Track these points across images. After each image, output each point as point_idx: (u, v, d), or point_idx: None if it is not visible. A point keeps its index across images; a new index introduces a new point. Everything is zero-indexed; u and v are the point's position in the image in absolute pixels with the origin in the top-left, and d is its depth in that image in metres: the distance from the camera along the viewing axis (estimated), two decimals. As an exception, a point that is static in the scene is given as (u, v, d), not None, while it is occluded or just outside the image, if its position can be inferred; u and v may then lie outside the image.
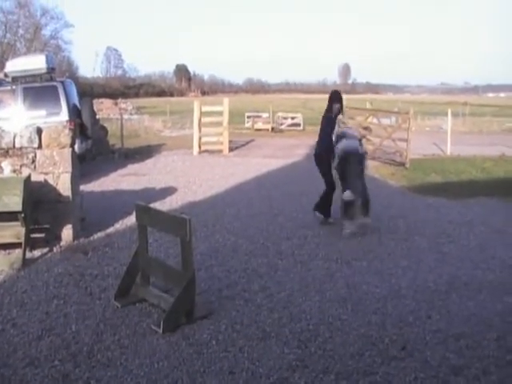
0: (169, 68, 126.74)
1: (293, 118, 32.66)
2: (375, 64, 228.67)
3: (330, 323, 5.81)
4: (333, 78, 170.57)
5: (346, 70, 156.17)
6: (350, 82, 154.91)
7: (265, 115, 33.25)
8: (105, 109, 41.96)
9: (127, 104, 48.88)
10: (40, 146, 8.85)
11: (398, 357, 5.10)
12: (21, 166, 8.86)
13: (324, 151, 9.93)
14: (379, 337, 5.49)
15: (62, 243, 8.61)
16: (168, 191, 12.80)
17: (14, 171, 8.83)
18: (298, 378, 4.74)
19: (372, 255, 8.13)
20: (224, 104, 20.55)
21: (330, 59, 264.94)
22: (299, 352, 5.19)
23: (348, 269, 7.53)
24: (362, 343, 5.37)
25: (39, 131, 8.93)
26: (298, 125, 31.69)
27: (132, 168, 17.00)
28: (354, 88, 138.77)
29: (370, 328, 5.69)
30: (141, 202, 6.67)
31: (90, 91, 45.85)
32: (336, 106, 9.98)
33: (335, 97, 10.13)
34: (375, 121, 21.33)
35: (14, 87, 15.36)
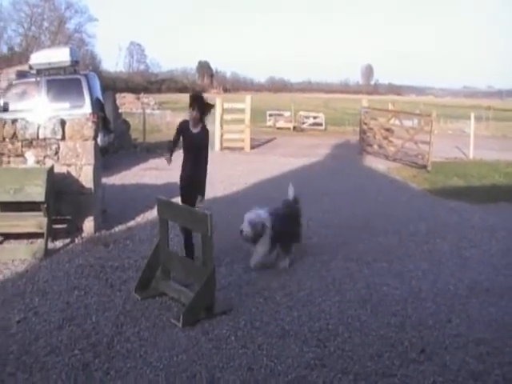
0: (191, 64, 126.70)
1: (315, 118, 32.60)
2: (398, 65, 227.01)
3: (349, 323, 5.80)
4: (355, 78, 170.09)
5: (368, 71, 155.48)
6: (372, 82, 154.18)
7: (287, 114, 33.23)
8: (127, 103, 42.07)
9: (149, 99, 48.97)
10: (63, 138, 8.91)
11: (417, 360, 5.07)
12: (44, 157, 8.92)
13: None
14: (398, 339, 5.47)
15: (84, 235, 8.68)
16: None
17: (38, 162, 8.90)
18: (316, 376, 4.74)
19: (392, 257, 8.09)
20: (246, 102, 20.58)
21: (352, 59, 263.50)
22: (318, 351, 5.19)
23: (368, 270, 7.51)
24: (381, 344, 5.35)
25: (63, 123, 8.98)
26: (320, 124, 31.62)
27: (153, 162, 17.04)
28: (377, 89, 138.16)
29: (389, 330, 5.67)
30: (162, 197, 6.70)
31: (112, 85, 46.02)
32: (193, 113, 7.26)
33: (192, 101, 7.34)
34: (397, 122, 21.22)
35: (38, 79, 15.46)
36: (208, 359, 4.97)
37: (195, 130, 7.27)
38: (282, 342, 5.34)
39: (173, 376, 4.68)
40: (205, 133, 7.34)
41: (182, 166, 7.46)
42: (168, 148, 7.56)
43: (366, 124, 21.66)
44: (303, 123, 31.72)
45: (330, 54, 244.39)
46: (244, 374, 4.75)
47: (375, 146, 20.97)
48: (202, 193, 7.25)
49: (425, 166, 17.36)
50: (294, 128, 30.59)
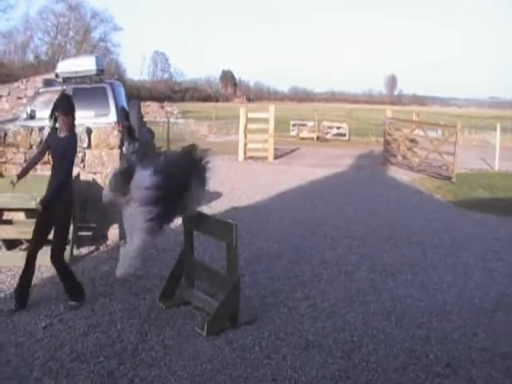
0: (215, 73, 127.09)
1: (338, 128, 32.54)
2: (422, 76, 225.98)
3: (374, 335, 5.76)
4: (378, 88, 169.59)
5: (392, 81, 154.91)
6: (395, 93, 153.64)
7: (310, 124, 33.19)
8: (151, 112, 42.45)
9: (173, 108, 49.32)
10: (89, 146, 9.00)
11: (443, 373, 5.02)
12: (70, 165, 8.98)
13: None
14: (423, 352, 5.43)
15: (109, 242, 8.75)
16: (213, 196, 12.83)
17: (64, 169, 8.97)
18: (340, 388, 4.72)
19: (417, 268, 8.03)
20: (270, 111, 20.60)
21: (376, 70, 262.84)
22: (342, 363, 5.16)
23: (392, 281, 7.46)
24: (406, 357, 5.31)
25: (89, 131, 9.07)
26: (344, 135, 31.55)
27: (177, 171, 17.11)
28: (400, 99, 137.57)
29: (414, 342, 5.62)
30: (188, 206, 6.71)
31: (136, 94, 46.42)
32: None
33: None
34: (421, 133, 21.11)
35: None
36: (232, 369, 4.97)
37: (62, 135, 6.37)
38: (307, 353, 5.32)
39: (197, 385, 4.69)
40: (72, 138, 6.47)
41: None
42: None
43: (389, 135, 21.57)
44: (327, 133, 31.67)
45: (354, 64, 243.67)
46: (268, 384, 4.74)
47: (399, 157, 20.88)
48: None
49: (449, 178, 17.24)
50: (318, 138, 30.55)
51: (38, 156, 6.64)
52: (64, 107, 6.31)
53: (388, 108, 28.95)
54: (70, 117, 6.31)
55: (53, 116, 6.34)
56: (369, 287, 7.21)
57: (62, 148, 6.26)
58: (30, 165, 6.70)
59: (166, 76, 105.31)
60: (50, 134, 6.57)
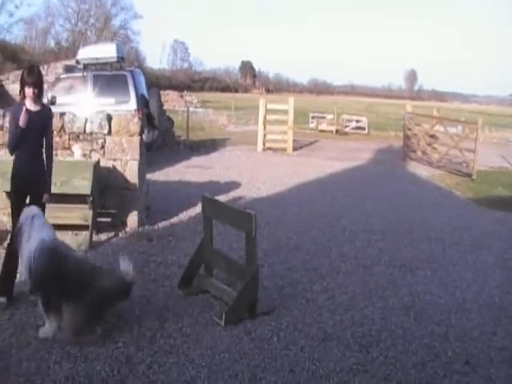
0: (234, 64, 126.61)
1: (357, 121, 32.38)
2: (443, 71, 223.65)
3: (393, 330, 5.73)
4: (398, 82, 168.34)
5: (412, 76, 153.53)
6: (415, 88, 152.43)
7: (329, 117, 33.03)
8: (170, 100, 42.42)
9: (192, 97, 49.29)
10: (110, 133, 9.01)
11: (462, 371, 4.98)
12: (90, 151, 9.03)
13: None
14: (442, 349, 5.39)
15: (128, 229, 8.77)
16: (232, 186, 12.87)
17: (84, 155, 9.01)
18: (358, 382, 4.70)
19: (436, 265, 7.98)
20: (289, 103, 20.52)
21: (396, 64, 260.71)
22: (360, 356, 5.14)
23: (411, 277, 7.41)
24: (425, 353, 5.27)
25: (109, 118, 9.08)
26: (363, 128, 31.39)
27: (197, 160, 17.17)
28: (420, 94, 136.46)
29: (432, 339, 5.59)
30: (207, 195, 6.71)
31: (156, 82, 46.34)
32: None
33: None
34: (441, 129, 20.94)
35: (84, 74, 15.66)
36: (250, 359, 4.96)
37: (34, 109, 5.90)
38: (324, 346, 5.30)
39: (215, 374, 4.69)
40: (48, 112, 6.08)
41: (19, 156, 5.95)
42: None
43: (409, 130, 21.42)
44: (346, 126, 31.52)
45: (373, 58, 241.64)
46: (286, 375, 4.73)
47: (419, 152, 20.74)
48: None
49: (469, 175, 17.11)
50: (337, 131, 30.40)
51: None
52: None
53: (408, 103, 28.70)
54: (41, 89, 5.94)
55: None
56: (387, 282, 7.16)
57: (43, 122, 5.96)
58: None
59: (185, 65, 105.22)
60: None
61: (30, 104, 5.84)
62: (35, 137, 5.88)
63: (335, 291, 6.71)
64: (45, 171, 6.03)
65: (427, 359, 5.15)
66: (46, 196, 6.01)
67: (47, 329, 5.20)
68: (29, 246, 5.19)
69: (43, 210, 5.98)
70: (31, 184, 5.90)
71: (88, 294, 5.06)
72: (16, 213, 5.85)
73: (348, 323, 5.82)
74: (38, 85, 5.84)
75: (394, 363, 5.04)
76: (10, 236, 6.11)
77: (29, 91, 5.77)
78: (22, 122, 5.67)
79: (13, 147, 5.84)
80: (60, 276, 5.08)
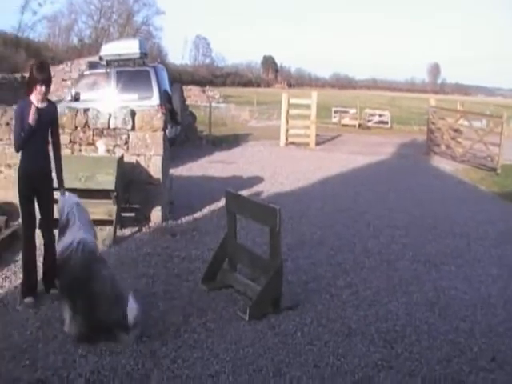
0: (256, 59, 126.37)
1: (380, 116, 32.17)
2: (466, 65, 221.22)
3: (417, 326, 5.69)
4: (421, 76, 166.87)
5: (435, 69, 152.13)
6: (438, 81, 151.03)
7: (352, 111, 32.88)
8: (193, 96, 42.47)
9: (214, 92, 49.32)
10: (133, 128, 9.04)
11: (488, 368, 4.93)
12: (114, 147, 9.07)
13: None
14: (467, 345, 5.34)
15: (151, 224, 8.81)
16: (255, 181, 12.87)
17: (108, 151, 9.06)
18: (383, 378, 4.67)
19: (461, 260, 7.91)
20: (312, 97, 20.45)
21: (418, 57, 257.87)
22: (385, 352, 5.11)
23: (436, 272, 7.35)
24: (450, 349, 5.23)
25: (133, 114, 9.12)
26: (386, 122, 31.19)
27: (219, 155, 17.20)
28: (443, 88, 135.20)
29: (457, 335, 5.54)
30: (231, 190, 6.72)
31: (178, 78, 46.43)
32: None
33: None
34: (466, 123, 20.72)
35: (108, 70, 15.75)
36: (274, 354, 4.96)
37: (42, 105, 5.86)
38: (349, 341, 5.28)
39: (239, 368, 4.69)
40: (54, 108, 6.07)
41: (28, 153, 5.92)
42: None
43: (433, 124, 21.23)
44: (369, 121, 31.34)
45: (396, 52, 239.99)
46: (310, 370, 4.72)
47: (442, 147, 20.55)
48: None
49: (494, 169, 16.92)
50: (360, 125, 30.23)
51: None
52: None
53: (431, 97, 28.43)
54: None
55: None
56: (411, 277, 7.12)
57: (50, 118, 5.97)
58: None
59: (207, 61, 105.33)
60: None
61: (37, 101, 5.81)
62: (42, 133, 5.89)
63: (359, 286, 6.69)
64: (52, 167, 6.03)
65: (452, 355, 5.11)
66: (63, 191, 6.05)
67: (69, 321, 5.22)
68: (68, 243, 5.20)
69: (52, 206, 6.07)
70: (39, 180, 5.91)
71: (94, 312, 5.02)
72: (25, 209, 5.90)
73: (372, 318, 5.80)
74: (49, 82, 5.82)
75: (419, 359, 5.01)
76: (24, 236, 6.05)
77: (41, 89, 5.73)
78: (31, 119, 5.66)
79: (21, 145, 5.82)
80: (85, 285, 5.07)
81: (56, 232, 5.72)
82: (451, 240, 8.88)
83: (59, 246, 5.34)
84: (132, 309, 5.05)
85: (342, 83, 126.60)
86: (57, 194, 6.07)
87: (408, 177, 15.07)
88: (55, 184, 6.11)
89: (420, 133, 26.20)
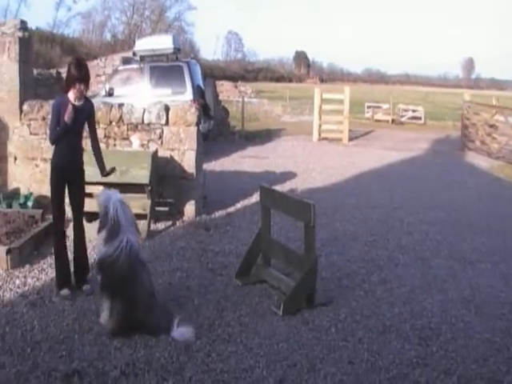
0: (288, 54, 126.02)
1: (414, 111, 31.86)
2: (502, 59, 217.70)
3: (453, 324, 5.62)
4: (455, 71, 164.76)
5: (469, 65, 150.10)
6: (473, 76, 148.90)
7: (385, 106, 32.63)
8: (225, 91, 42.50)
9: (246, 87, 49.29)
10: (167, 123, 9.10)
11: (526, 368, 4.85)
12: (148, 141, 9.14)
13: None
14: (504, 344, 5.25)
15: (185, 218, 8.86)
16: (288, 176, 12.86)
17: (142, 146, 9.13)
18: (418, 375, 4.62)
19: (497, 258, 7.79)
20: (345, 92, 20.33)
21: (452, 53, 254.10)
22: (420, 349, 5.06)
23: (471, 270, 7.26)
24: (486, 348, 5.15)
25: (167, 108, 9.17)
26: (419, 118, 30.87)
27: (252, 150, 17.22)
28: (478, 83, 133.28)
29: (494, 334, 5.45)
30: (265, 185, 6.71)
31: (210, 73, 46.52)
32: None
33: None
34: (502, 118, 20.39)
35: (141, 65, 15.87)
36: (308, 349, 4.95)
37: (78, 103, 5.92)
38: (383, 338, 5.25)
39: (273, 363, 4.69)
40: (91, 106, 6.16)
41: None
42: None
43: (468, 119, 20.96)
44: (402, 116, 31.08)
45: (429, 47, 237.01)
46: (344, 366, 4.69)
47: (477, 143, 20.27)
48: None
49: (531, 166, 16.64)
50: (393, 121, 29.99)
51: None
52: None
53: (466, 92, 28.07)
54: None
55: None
56: (447, 275, 7.04)
57: (86, 116, 6.05)
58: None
59: (239, 56, 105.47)
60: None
61: (75, 98, 5.86)
62: (77, 130, 5.95)
63: (393, 283, 6.63)
64: (82, 162, 6.10)
65: (489, 354, 5.03)
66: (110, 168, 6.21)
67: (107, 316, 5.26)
68: (115, 245, 5.19)
69: (83, 200, 6.18)
70: (72, 173, 5.99)
71: (132, 314, 5.08)
72: (55, 202, 6.00)
73: (407, 316, 5.75)
74: (87, 80, 5.85)
75: (455, 357, 4.94)
76: (55, 230, 6.17)
77: (79, 87, 5.77)
78: (67, 118, 5.71)
79: (55, 140, 5.88)
80: (127, 288, 5.11)
81: (87, 225, 5.78)
82: (487, 237, 8.76)
83: (104, 245, 5.30)
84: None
85: (374, 78, 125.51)
86: (98, 189, 6.13)
87: (442, 173, 14.89)
88: (87, 178, 6.22)
89: (454, 128, 25.89)
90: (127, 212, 5.37)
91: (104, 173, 6.22)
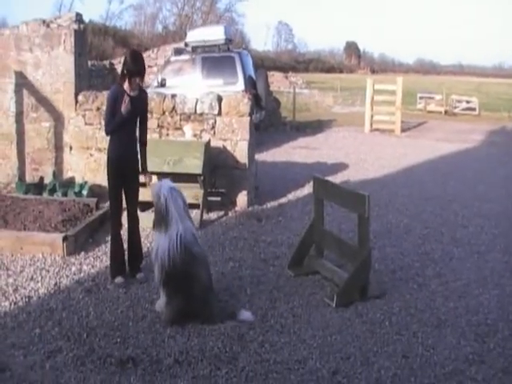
0: (338, 45, 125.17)
1: (468, 102, 31.16)
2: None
3: (510, 320, 5.48)
4: (510, 61, 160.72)
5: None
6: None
7: (438, 97, 32.03)
8: (275, 81, 42.43)
9: (297, 78, 49.12)
10: (220, 113, 9.13)
11: None
12: (201, 131, 9.19)
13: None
14: None
15: (237, 208, 8.89)
16: (339, 167, 12.77)
17: (195, 136, 9.18)
18: (474, 372, 4.52)
19: (556, 253, 7.57)
20: (398, 83, 20.02)
21: (507, 42, 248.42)
22: (476, 346, 4.95)
23: (530, 265, 7.08)
24: (546, 346, 5.02)
25: (219, 99, 9.19)
26: (473, 109, 30.17)
27: (303, 141, 17.15)
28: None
29: (554, 331, 5.31)
30: (319, 175, 6.67)
31: (260, 64, 46.50)
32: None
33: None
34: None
35: (193, 56, 15.95)
36: (362, 342, 4.91)
37: (134, 94, 5.97)
38: (438, 333, 5.16)
39: (326, 355, 4.67)
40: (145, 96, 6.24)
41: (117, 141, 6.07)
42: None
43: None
44: (455, 107, 30.45)
45: (482, 36, 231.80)
46: (399, 360, 4.63)
47: (534, 134, 19.75)
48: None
49: None
50: (446, 112, 29.43)
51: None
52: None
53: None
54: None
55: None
56: (503, 269, 6.87)
57: (141, 106, 6.11)
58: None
59: (289, 47, 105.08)
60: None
61: (130, 90, 5.89)
62: (132, 120, 5.99)
63: (448, 277, 6.51)
64: (138, 152, 6.13)
65: (549, 353, 4.91)
66: (148, 175, 6.24)
67: (163, 303, 5.30)
68: (169, 237, 5.19)
69: (138, 191, 6.23)
70: (127, 165, 6.03)
71: (189, 305, 5.13)
72: (113, 194, 6.06)
73: (462, 311, 5.64)
74: (143, 73, 5.89)
75: (513, 355, 4.83)
76: (111, 220, 6.24)
77: (135, 79, 5.82)
78: (124, 109, 5.76)
79: (111, 130, 5.95)
80: (184, 281, 5.13)
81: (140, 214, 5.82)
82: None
83: (158, 236, 5.34)
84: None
85: (426, 69, 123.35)
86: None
87: (498, 165, 14.53)
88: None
89: (510, 120, 25.27)
90: (178, 200, 5.33)
91: (144, 170, 6.23)
